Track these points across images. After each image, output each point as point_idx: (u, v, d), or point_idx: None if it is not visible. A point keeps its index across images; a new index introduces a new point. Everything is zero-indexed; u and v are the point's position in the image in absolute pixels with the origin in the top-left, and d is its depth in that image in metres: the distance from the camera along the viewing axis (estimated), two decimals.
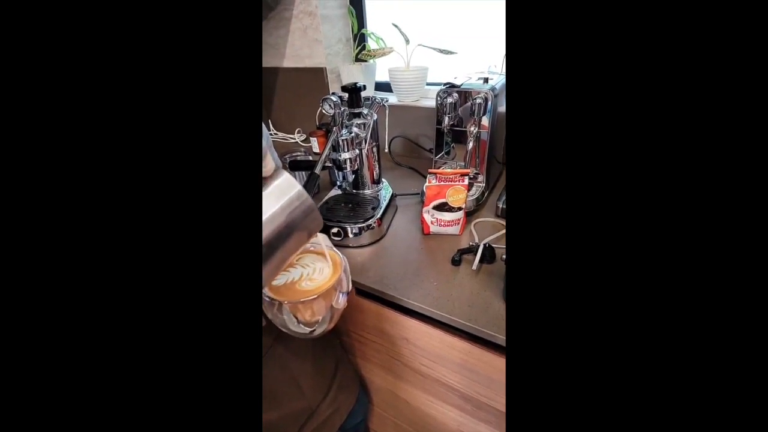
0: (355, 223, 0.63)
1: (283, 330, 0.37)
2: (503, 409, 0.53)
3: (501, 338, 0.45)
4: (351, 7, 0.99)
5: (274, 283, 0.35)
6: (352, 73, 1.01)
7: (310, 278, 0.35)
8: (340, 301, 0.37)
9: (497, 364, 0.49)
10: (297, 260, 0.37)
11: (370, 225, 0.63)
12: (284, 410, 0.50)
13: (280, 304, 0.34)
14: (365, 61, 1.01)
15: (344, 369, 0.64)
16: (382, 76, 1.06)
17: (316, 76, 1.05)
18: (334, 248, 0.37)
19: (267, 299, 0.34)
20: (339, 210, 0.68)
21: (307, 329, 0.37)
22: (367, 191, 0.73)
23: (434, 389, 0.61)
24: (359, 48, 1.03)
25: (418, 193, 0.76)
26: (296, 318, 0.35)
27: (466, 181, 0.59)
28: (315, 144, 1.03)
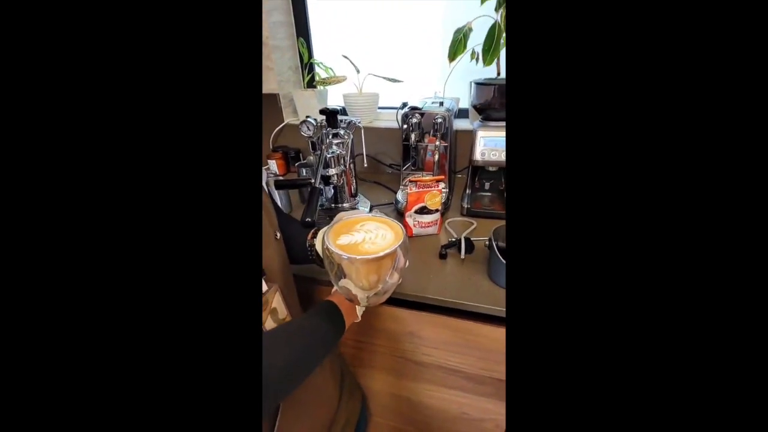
0: None
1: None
2: (501, 377, 0.61)
3: (493, 309, 0.54)
4: (302, 39, 1.05)
5: (339, 242, 0.36)
6: (306, 99, 1.06)
7: (373, 242, 0.36)
8: (395, 275, 0.39)
9: (491, 334, 0.57)
10: (360, 226, 0.39)
11: None
12: (312, 419, 0.50)
13: (339, 265, 0.35)
14: (315, 87, 1.07)
15: (348, 376, 0.65)
16: (332, 101, 1.13)
17: (270, 101, 1.06)
18: (398, 222, 0.39)
19: (329, 259, 0.35)
20: (325, 222, 0.71)
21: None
22: (346, 204, 0.78)
23: (436, 376, 0.66)
24: (309, 76, 1.09)
25: (392, 203, 0.83)
26: (354, 281, 0.37)
27: (441, 186, 0.68)
28: (273, 165, 1.03)
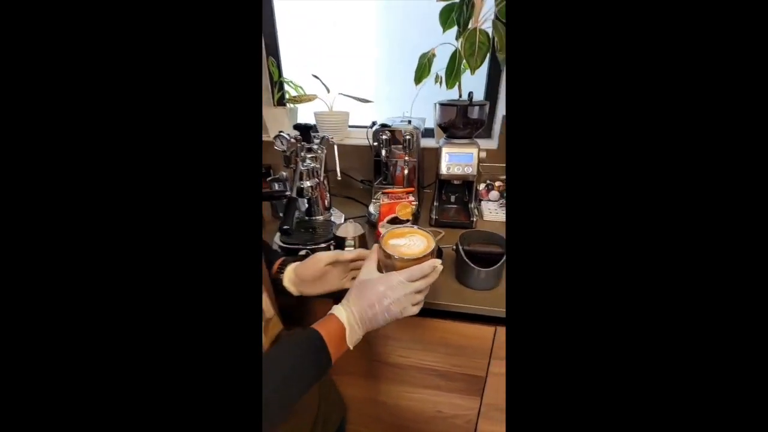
0: (317, 244, 0.69)
1: None
2: (472, 372, 0.66)
3: (462, 306, 0.59)
4: (272, 58, 1.08)
5: (391, 242, 0.48)
6: (276, 116, 1.08)
7: (410, 248, 0.47)
8: None
9: (464, 331, 0.62)
10: (406, 235, 0.50)
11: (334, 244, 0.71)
12: (291, 425, 0.51)
13: (389, 261, 0.46)
14: (285, 105, 1.10)
15: (326, 381, 0.67)
16: (302, 119, 1.17)
17: None
18: (431, 234, 0.50)
19: (384, 255, 0.46)
20: (300, 234, 0.73)
21: None
22: (320, 217, 0.80)
23: (411, 377, 0.69)
24: (279, 94, 1.12)
25: (365, 216, 0.87)
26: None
27: (411, 198, 0.74)
28: None
